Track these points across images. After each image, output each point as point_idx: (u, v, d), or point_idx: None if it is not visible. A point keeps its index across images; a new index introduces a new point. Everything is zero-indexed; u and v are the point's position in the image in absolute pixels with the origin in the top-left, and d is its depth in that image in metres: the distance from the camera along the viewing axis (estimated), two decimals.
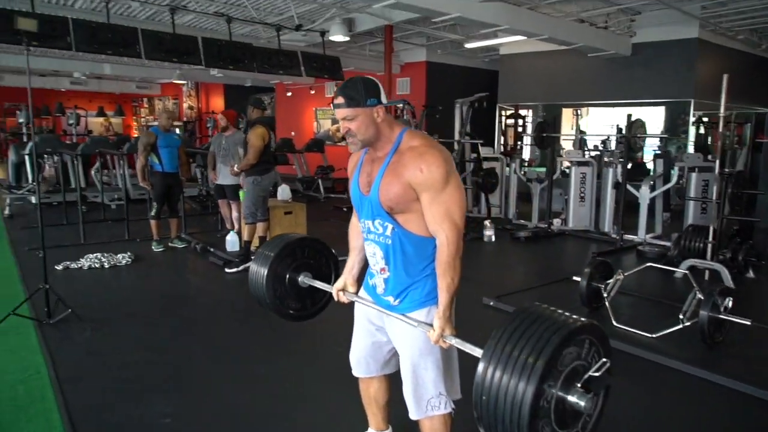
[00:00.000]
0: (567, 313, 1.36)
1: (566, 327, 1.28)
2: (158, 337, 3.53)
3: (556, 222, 7.24)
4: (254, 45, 9.10)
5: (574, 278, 3.93)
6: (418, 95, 11.86)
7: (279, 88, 15.22)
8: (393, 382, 2.00)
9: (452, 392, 1.85)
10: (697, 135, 9.24)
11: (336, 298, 1.98)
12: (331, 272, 2.24)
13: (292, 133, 14.01)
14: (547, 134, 7.09)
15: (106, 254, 5.32)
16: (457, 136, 8.15)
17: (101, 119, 17.21)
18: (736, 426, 2.59)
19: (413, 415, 1.82)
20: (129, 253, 5.43)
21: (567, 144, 10.72)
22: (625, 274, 3.81)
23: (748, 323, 3.13)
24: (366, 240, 1.83)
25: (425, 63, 12.02)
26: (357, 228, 1.94)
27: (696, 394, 2.84)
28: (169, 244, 5.97)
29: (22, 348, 3.22)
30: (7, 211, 7.84)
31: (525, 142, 10.43)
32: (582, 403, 1.29)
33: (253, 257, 2.31)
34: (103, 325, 3.63)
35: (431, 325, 1.66)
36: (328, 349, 3.18)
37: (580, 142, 10.74)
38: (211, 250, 5.69)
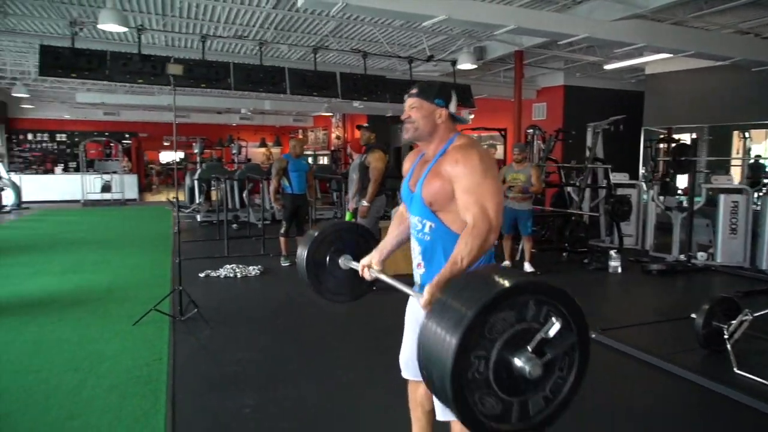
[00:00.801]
0: (511, 275, 1.29)
1: (491, 291, 1.21)
2: (264, 339, 3.91)
3: (701, 256, 6.42)
4: (387, 77, 9.66)
5: (692, 315, 3.50)
6: (554, 120, 11.47)
7: None
8: None
9: None
10: None
11: (360, 273, 2.05)
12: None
13: None
14: (686, 158, 6.38)
15: (240, 266, 6.01)
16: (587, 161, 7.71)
17: (263, 149, 19.38)
18: None
19: (439, 416, 1.84)
20: (260, 266, 6.07)
21: (735, 170, 9.51)
22: (756, 314, 3.30)
23: None
24: (411, 236, 1.92)
25: (563, 87, 11.61)
26: (402, 216, 2.05)
27: None
28: (296, 260, 6.52)
29: (155, 338, 3.80)
30: (176, 228, 9.22)
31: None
32: (527, 368, 1.21)
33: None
34: (221, 326, 4.12)
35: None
36: None
37: (753, 167, 9.40)
38: None
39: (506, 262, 6.18)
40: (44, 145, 18.32)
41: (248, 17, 8.19)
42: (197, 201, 10.53)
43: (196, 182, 10.66)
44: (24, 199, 13.41)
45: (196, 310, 4.20)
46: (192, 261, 6.46)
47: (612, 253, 6.17)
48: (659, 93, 10.15)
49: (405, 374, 2.10)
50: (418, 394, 2.12)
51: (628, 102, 11.04)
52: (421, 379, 2.00)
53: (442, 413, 1.83)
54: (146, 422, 2.58)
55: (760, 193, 6.43)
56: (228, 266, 5.98)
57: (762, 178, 7.45)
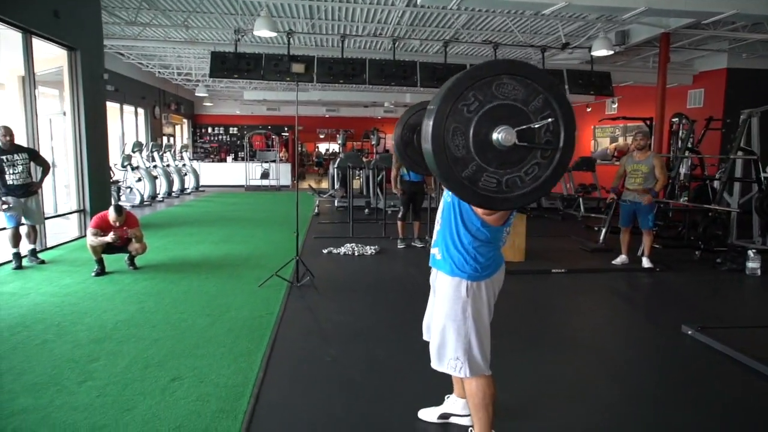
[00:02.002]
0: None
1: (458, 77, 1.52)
2: (359, 306, 4.39)
3: None
4: None
5: None
6: (713, 107, 10.35)
7: None
8: None
9: (476, 365, 2.02)
10: None
11: None
12: None
13: None
14: None
15: (359, 245, 6.60)
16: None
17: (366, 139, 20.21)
18: None
19: (435, 365, 2.09)
20: (376, 246, 6.61)
21: None
22: None
23: None
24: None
25: (725, 70, 10.39)
26: None
27: None
28: (411, 243, 6.94)
29: (272, 298, 4.49)
30: (316, 210, 10.24)
31: None
32: (500, 138, 1.53)
33: None
34: (328, 292, 4.69)
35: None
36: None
37: None
38: None
39: (622, 257, 5.91)
40: (220, 137, 21.23)
41: (384, 15, 8.75)
42: (334, 188, 11.50)
43: (335, 170, 11.64)
44: (202, 183, 15.77)
45: (309, 278, 4.83)
46: (321, 239, 7.23)
47: (750, 253, 5.55)
48: None
49: (426, 336, 2.33)
50: None
51: None
52: None
53: (437, 364, 2.09)
54: (249, 357, 3.18)
55: None
56: (348, 245, 6.60)
57: None
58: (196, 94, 15.61)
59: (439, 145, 1.53)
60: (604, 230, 7.13)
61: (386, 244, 6.97)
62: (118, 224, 5.09)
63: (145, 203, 11.43)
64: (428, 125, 1.54)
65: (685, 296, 4.94)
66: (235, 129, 21.15)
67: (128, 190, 11.39)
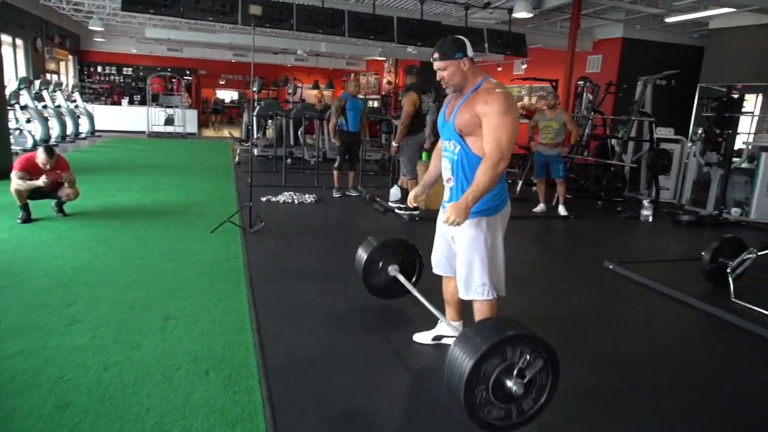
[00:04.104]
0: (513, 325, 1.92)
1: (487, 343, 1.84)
2: (319, 248, 4.59)
3: (735, 211, 6.63)
4: (443, 23, 9.85)
5: (702, 253, 3.89)
6: (608, 73, 11.38)
7: None
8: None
9: (498, 287, 2.37)
10: None
11: (409, 203, 2.60)
12: (415, 271, 3.16)
13: None
14: (729, 114, 6.47)
15: (297, 194, 6.66)
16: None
17: (315, 91, 19.86)
18: None
19: (463, 296, 2.39)
20: (314, 195, 6.72)
21: None
22: (759, 253, 3.66)
23: None
24: (443, 157, 2.42)
25: (621, 39, 11.41)
26: (439, 150, 2.51)
27: None
28: (346, 192, 7.12)
29: (231, 243, 4.50)
30: (236, 159, 9.98)
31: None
32: (513, 388, 1.86)
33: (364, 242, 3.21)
34: (284, 238, 4.79)
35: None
36: None
37: None
38: (378, 199, 6.69)
39: (541, 205, 6.58)
40: (112, 78, 19.40)
41: None
42: (255, 136, 11.22)
43: (254, 118, 11.31)
44: (97, 127, 14.49)
45: (262, 224, 4.88)
46: (256, 188, 7.16)
47: (645, 202, 6.47)
48: (722, 49, 9.91)
49: (436, 270, 2.66)
50: (450, 286, 2.67)
51: (687, 57, 10.83)
52: (450, 274, 2.57)
53: (465, 293, 2.38)
54: (233, 297, 3.27)
55: None
56: (286, 193, 6.65)
57: None
58: (91, 28, 14.00)
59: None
60: (520, 183, 7.82)
61: (321, 193, 7.09)
62: (48, 167, 4.73)
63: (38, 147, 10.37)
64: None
65: (597, 238, 5.72)
66: (130, 70, 19.44)
67: (17, 132, 10.24)
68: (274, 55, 19.71)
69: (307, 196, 6.65)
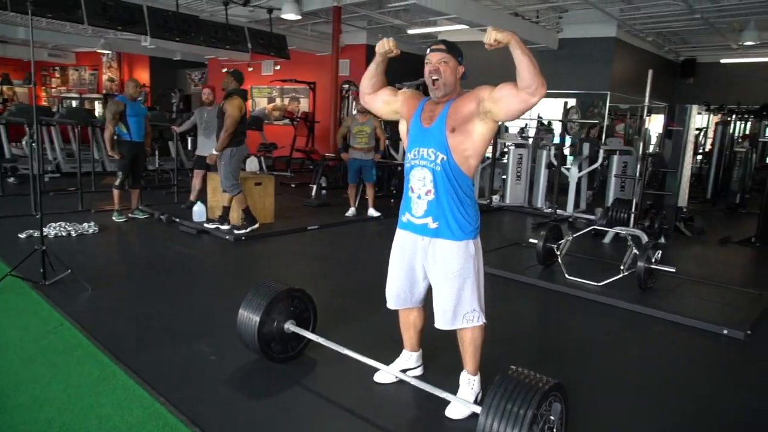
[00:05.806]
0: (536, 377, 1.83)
1: (540, 390, 1.76)
2: (162, 293, 3.71)
3: (496, 198, 7.95)
4: (201, 18, 9.00)
5: (531, 240, 4.55)
6: (357, 77, 12.17)
7: (213, 63, 14.85)
8: (427, 309, 2.42)
9: (484, 310, 2.30)
10: (609, 124, 10.38)
11: (386, 47, 2.23)
12: (311, 319, 2.76)
13: None
14: None
15: (69, 224, 5.25)
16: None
17: (4, 87, 15.84)
18: (663, 340, 3.34)
19: (445, 326, 2.26)
20: (93, 223, 5.38)
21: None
22: (573, 236, 4.49)
23: (673, 270, 3.91)
24: (415, 167, 2.19)
25: (365, 46, 12.32)
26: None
27: (636, 323, 3.57)
28: (130, 215, 5.93)
29: (29, 305, 3.28)
30: None
31: None
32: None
33: (243, 302, 2.61)
34: (101, 286, 3.67)
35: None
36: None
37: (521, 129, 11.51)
38: (177, 220, 5.77)
39: (352, 209, 6.69)
40: None
41: None
42: None
43: None
44: None
45: (69, 271, 3.68)
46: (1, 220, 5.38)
47: None
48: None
49: (392, 305, 2.45)
50: (411, 317, 2.51)
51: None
52: (411, 306, 2.40)
53: (452, 323, 2.25)
54: (106, 385, 2.39)
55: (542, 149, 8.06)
56: (54, 224, 5.16)
57: (540, 137, 9.29)
58: None
59: None
60: (314, 187, 7.80)
61: (97, 218, 5.71)
62: None
63: None
64: None
65: None
66: None
67: None
68: None
69: (85, 224, 5.29)
